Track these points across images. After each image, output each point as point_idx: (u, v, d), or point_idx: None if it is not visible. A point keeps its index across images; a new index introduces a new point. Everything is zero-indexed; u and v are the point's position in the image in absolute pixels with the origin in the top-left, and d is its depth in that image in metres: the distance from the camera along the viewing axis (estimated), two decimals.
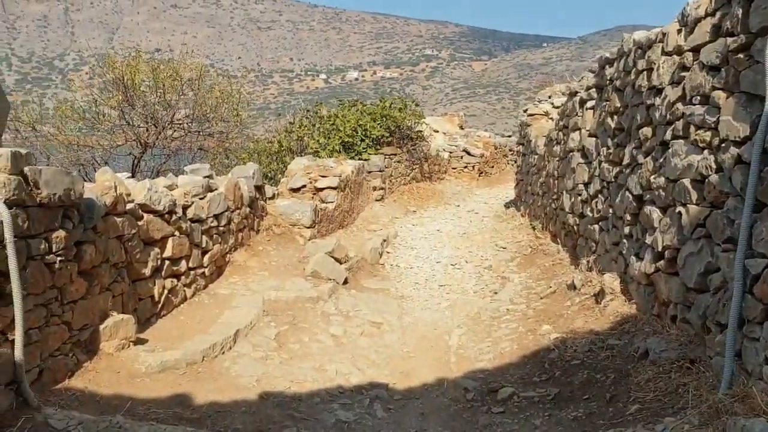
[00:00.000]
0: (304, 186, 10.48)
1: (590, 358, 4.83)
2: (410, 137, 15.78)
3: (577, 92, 8.28)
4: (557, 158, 9.07)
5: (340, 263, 8.02)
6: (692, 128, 4.44)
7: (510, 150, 20.46)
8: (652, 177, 5.18)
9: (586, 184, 7.55)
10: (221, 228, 7.25)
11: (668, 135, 4.90)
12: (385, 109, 14.79)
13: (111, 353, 4.69)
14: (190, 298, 6.51)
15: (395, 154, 14.82)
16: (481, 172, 18.53)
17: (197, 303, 6.46)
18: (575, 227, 7.89)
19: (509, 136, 21.99)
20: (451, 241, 10.56)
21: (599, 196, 6.96)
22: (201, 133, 11.36)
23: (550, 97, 13.03)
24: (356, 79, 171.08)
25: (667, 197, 4.84)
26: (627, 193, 5.80)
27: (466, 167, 18.34)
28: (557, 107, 11.72)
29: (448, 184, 17.41)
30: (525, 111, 13.11)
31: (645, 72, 5.60)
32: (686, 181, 4.45)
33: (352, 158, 13.40)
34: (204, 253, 6.84)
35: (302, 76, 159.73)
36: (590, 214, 7.26)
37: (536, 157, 10.80)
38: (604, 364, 4.66)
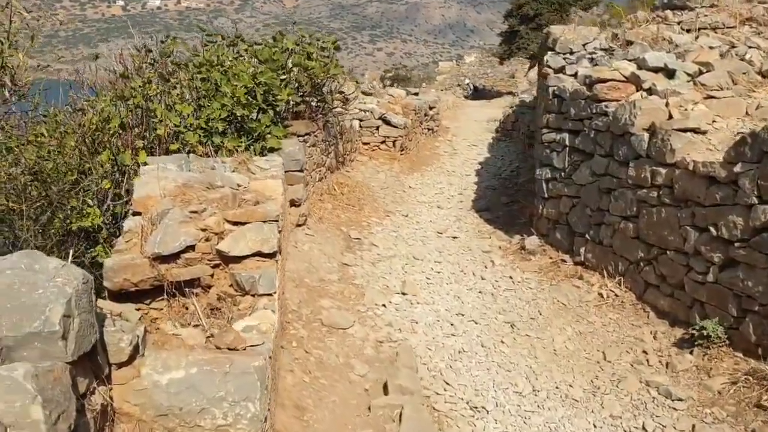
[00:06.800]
0: (189, 249, 4.14)
1: None
2: (325, 102, 9.60)
3: None
4: None
5: None
6: None
7: (426, 115, 15.00)
8: None
9: None
10: None
11: None
12: (295, 55, 8.44)
13: None
14: None
15: (310, 133, 8.63)
16: (403, 149, 12.86)
17: None
18: None
19: (416, 94, 16.41)
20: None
21: None
22: None
23: (598, 50, 7.59)
24: (159, 8, 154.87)
25: None
26: None
27: (383, 142, 12.56)
28: (660, 69, 6.33)
29: (365, 170, 11.56)
30: (558, 70, 7.56)
31: None
32: None
33: (249, 146, 7.12)
34: None
35: (96, 1, 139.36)
36: None
37: (671, 173, 5.38)
38: None
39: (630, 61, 6.68)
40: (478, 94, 30.73)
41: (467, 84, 32.53)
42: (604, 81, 6.48)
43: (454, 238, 8.15)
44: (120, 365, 2.74)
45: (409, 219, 9.05)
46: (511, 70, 37.14)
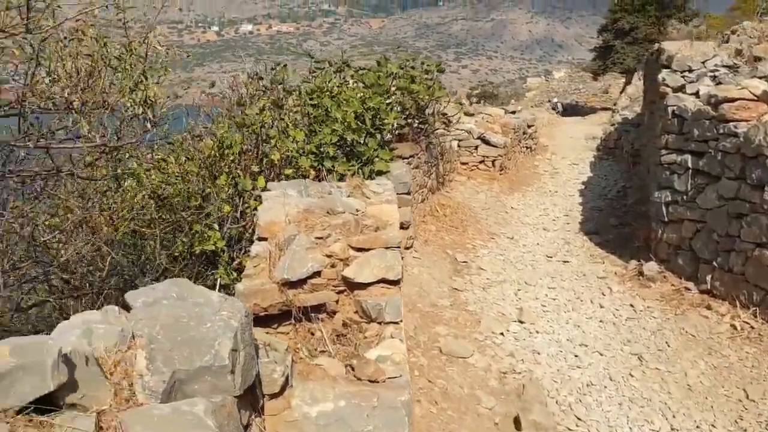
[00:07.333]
0: (315, 275, 4.17)
1: None
2: (427, 123, 9.59)
3: None
4: None
5: None
6: None
7: (524, 133, 14.76)
8: None
9: None
10: None
11: None
12: (399, 78, 8.50)
13: None
14: None
15: (413, 155, 8.64)
16: (502, 169, 12.68)
17: None
18: None
19: (513, 112, 16.19)
20: None
21: None
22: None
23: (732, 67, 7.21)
24: (251, 33, 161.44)
25: None
26: None
27: (482, 162, 12.42)
28: None
29: (464, 189, 11.45)
30: (677, 89, 7.24)
31: None
32: None
33: (358, 170, 7.18)
34: None
35: (192, 27, 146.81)
36: None
37: None
38: None
39: (761, 78, 6.30)
40: (568, 111, 30.07)
41: (556, 102, 31.85)
42: (732, 100, 6.13)
43: (565, 262, 7.90)
44: (272, 396, 2.76)
45: (515, 242, 8.87)
46: (604, 85, 36.17)
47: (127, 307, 2.77)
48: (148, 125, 4.29)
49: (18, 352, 1.95)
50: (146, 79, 4.21)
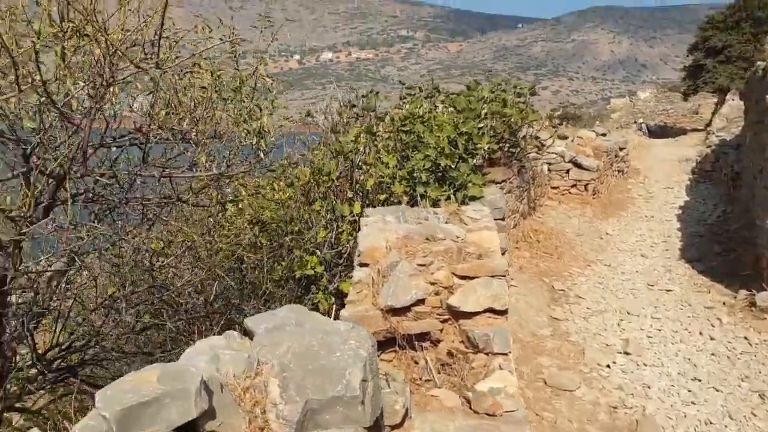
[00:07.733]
0: (419, 302, 4.14)
1: None
2: (519, 147, 9.46)
3: None
4: None
5: None
6: None
7: (616, 156, 14.33)
8: None
9: None
10: None
11: None
12: (492, 102, 8.44)
13: None
14: None
15: (506, 180, 8.52)
16: (595, 193, 12.33)
17: None
18: None
19: (604, 135, 15.75)
20: None
21: None
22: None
23: None
24: (331, 60, 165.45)
25: None
26: None
27: (574, 186, 12.12)
28: None
29: (555, 215, 11.18)
30: None
31: None
32: None
33: (451, 195, 7.11)
34: None
35: (276, 56, 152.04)
36: None
37: None
38: None
39: None
40: (656, 132, 29.02)
41: (641, 123, 30.80)
42: None
43: (668, 291, 7.55)
44: (393, 427, 2.74)
45: (613, 269, 8.56)
46: (694, 105, 34.78)
47: (247, 332, 2.82)
48: (261, 154, 4.41)
49: (164, 379, 2.00)
50: (260, 110, 4.35)
